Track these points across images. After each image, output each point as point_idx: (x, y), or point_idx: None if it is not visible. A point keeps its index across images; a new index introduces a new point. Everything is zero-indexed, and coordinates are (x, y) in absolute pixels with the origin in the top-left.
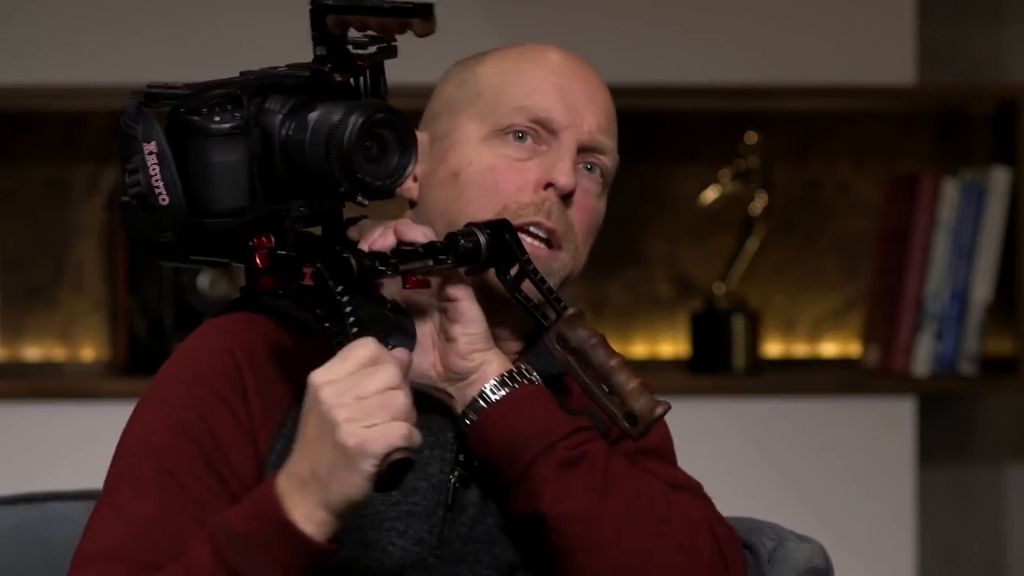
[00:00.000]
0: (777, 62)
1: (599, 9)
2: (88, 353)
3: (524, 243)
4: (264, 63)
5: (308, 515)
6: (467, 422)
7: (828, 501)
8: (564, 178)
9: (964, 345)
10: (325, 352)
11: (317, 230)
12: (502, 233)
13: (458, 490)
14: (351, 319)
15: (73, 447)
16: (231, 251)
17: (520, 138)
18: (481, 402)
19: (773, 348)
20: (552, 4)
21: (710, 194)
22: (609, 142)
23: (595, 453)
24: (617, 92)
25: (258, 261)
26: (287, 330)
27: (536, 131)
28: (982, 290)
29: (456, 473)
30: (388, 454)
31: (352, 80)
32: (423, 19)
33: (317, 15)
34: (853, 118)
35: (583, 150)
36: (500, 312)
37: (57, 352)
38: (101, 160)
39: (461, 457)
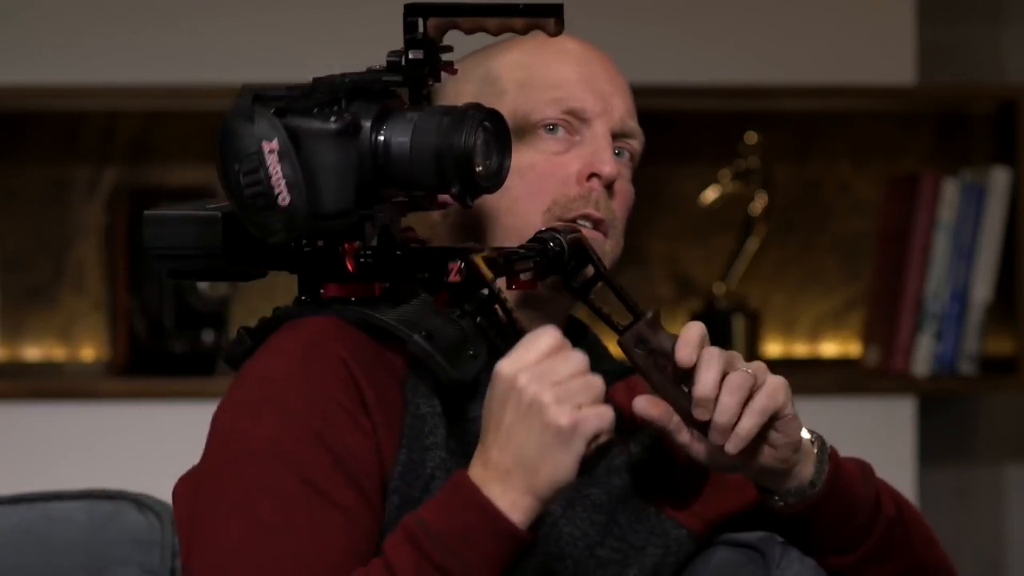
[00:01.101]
0: (777, 62)
1: (600, 9)
2: (88, 353)
3: None
4: (265, 63)
5: (513, 503)
6: (782, 503)
7: None
8: (608, 167)
9: (964, 345)
10: (414, 361)
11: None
12: (573, 237)
13: None
14: (509, 308)
15: (73, 447)
16: (275, 259)
17: (551, 130)
18: (807, 491)
19: (773, 348)
20: None
21: (710, 194)
22: (637, 126)
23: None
24: None
25: (349, 266)
26: (373, 339)
27: (568, 122)
28: (982, 290)
29: None
30: (597, 435)
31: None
32: (557, 18)
33: (412, 16)
34: (853, 118)
35: (615, 136)
36: (544, 315)
37: (57, 352)
38: (101, 160)
39: None
